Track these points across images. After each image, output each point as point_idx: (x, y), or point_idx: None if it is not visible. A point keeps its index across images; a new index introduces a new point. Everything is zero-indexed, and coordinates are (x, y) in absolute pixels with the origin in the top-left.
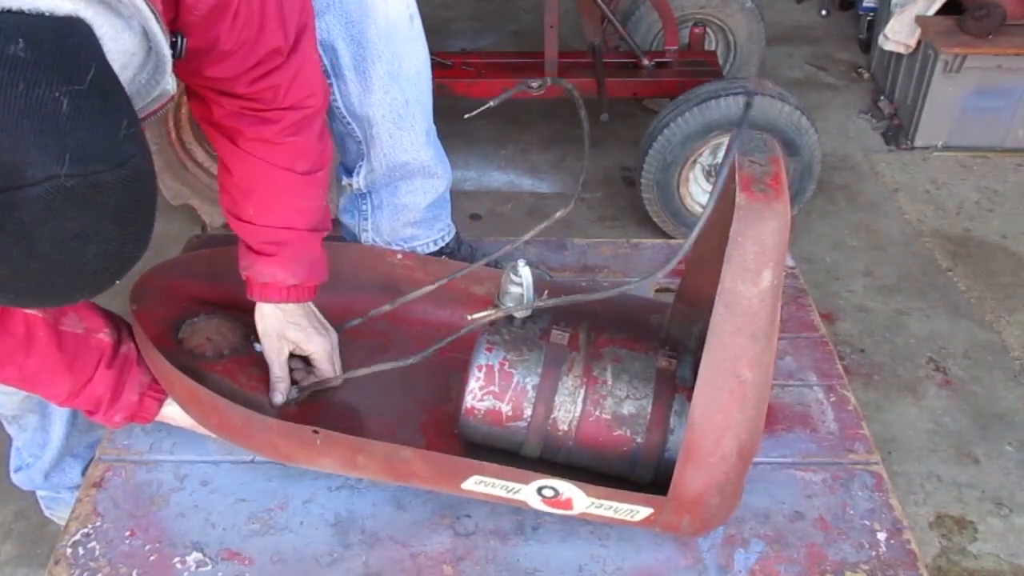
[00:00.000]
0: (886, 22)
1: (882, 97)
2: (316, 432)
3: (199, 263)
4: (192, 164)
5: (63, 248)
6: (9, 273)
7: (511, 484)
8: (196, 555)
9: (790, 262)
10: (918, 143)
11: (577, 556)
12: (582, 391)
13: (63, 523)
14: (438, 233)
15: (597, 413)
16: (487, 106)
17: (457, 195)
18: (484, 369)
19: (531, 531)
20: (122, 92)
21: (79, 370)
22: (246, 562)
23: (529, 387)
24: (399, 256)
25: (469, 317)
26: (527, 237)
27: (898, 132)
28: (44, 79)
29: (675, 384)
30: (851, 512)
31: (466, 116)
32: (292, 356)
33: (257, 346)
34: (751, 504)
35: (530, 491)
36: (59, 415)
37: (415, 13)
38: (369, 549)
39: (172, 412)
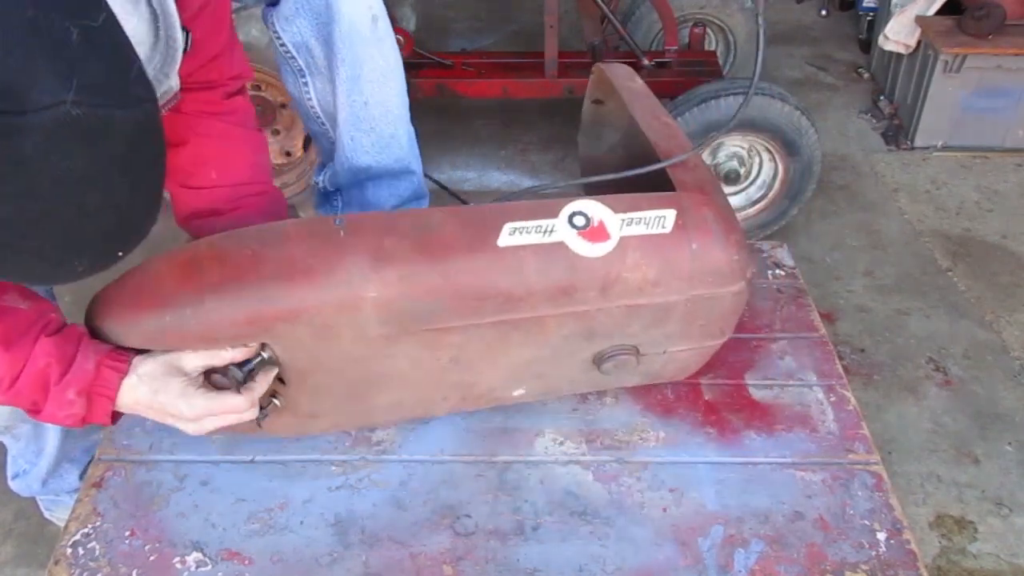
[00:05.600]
0: (886, 22)
1: (882, 97)
2: (341, 221)
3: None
4: None
5: (64, 190)
6: (5, 214)
7: (544, 222)
8: (196, 555)
9: (790, 262)
10: (918, 143)
11: (577, 556)
12: None
13: (63, 524)
14: None
15: None
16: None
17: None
18: None
19: (531, 531)
20: (132, 48)
21: (18, 347)
22: (246, 562)
23: None
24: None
25: None
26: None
27: (898, 132)
28: (55, 8)
29: None
30: (851, 512)
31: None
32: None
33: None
34: (751, 504)
35: (563, 225)
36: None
37: (379, 14)
38: (369, 549)
39: (138, 396)
